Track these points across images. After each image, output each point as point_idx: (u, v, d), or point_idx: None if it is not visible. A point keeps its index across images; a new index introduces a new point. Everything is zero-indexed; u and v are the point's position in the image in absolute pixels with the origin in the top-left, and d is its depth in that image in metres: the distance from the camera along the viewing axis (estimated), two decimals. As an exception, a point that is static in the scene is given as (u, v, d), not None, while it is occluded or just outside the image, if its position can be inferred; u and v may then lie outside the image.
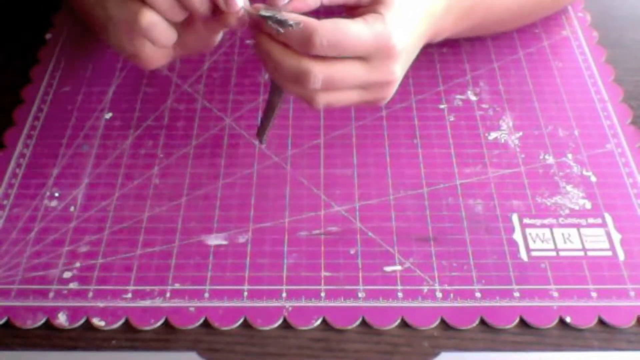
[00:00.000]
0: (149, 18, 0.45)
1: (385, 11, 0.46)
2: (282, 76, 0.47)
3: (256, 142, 0.58)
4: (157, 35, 0.46)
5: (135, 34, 0.46)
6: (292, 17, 0.44)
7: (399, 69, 0.48)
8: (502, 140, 0.59)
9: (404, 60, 0.48)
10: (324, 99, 0.47)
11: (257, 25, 0.46)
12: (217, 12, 0.46)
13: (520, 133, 0.59)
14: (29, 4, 0.72)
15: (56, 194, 0.55)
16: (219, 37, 0.50)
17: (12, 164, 0.58)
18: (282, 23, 0.44)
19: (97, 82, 0.64)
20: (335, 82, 0.46)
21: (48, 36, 0.69)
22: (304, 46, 0.44)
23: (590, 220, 0.53)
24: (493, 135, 0.59)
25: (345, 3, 0.48)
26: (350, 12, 0.49)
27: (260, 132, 0.55)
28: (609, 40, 0.68)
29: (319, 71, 0.45)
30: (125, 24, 0.46)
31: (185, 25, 0.47)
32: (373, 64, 0.46)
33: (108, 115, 0.61)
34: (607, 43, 0.67)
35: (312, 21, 0.44)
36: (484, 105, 0.61)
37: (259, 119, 0.54)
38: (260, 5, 0.45)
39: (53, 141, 0.59)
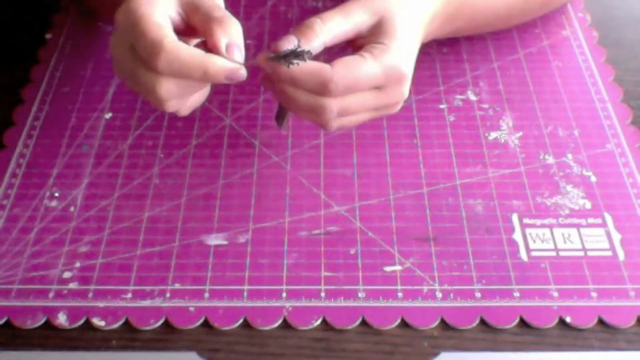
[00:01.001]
0: (164, 90, 0.45)
1: (389, 42, 0.47)
2: (296, 108, 0.48)
3: (256, 142, 0.58)
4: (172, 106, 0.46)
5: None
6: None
7: (407, 89, 0.49)
8: (502, 140, 0.59)
9: (410, 78, 0.50)
10: (337, 124, 0.49)
11: (268, 67, 0.47)
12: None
13: (520, 133, 0.59)
14: (29, 4, 0.72)
15: (56, 194, 0.55)
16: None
17: (12, 164, 0.58)
18: (297, 56, 0.45)
19: (97, 82, 0.64)
20: (349, 111, 0.48)
21: (48, 36, 0.69)
22: (320, 92, 0.46)
23: (590, 220, 0.53)
24: (493, 135, 0.59)
25: (346, 39, 0.49)
26: (351, 43, 0.50)
27: (279, 118, 0.55)
28: (609, 40, 0.68)
29: (334, 105, 0.47)
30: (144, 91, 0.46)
31: None
32: (384, 90, 0.48)
33: (108, 115, 0.61)
34: (607, 43, 0.67)
35: (326, 68, 0.45)
36: (484, 105, 0.61)
37: (278, 104, 0.54)
38: (264, 54, 0.46)
39: (53, 141, 0.59)
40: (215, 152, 0.58)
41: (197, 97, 0.48)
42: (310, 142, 0.59)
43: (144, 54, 0.43)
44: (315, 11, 0.70)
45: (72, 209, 0.54)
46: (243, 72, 0.44)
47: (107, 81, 0.64)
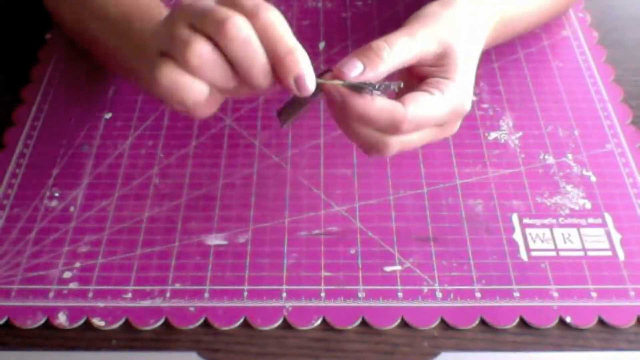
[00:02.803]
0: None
1: (455, 76, 0.45)
2: (358, 142, 0.45)
3: (256, 142, 0.58)
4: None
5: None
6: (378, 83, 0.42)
7: (459, 124, 0.48)
8: (502, 140, 0.59)
9: None
10: (389, 155, 0.46)
11: (338, 95, 0.43)
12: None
13: (520, 133, 0.59)
14: (29, 4, 0.72)
15: (56, 194, 0.55)
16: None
17: (12, 164, 0.58)
18: (380, 88, 0.42)
19: (97, 81, 0.64)
20: (408, 147, 0.45)
21: (48, 36, 0.69)
22: (390, 130, 0.43)
23: (590, 220, 0.53)
24: (493, 135, 0.59)
25: (409, 65, 0.45)
26: (410, 68, 0.46)
27: (285, 115, 0.49)
28: (609, 40, 0.68)
29: (397, 143, 0.44)
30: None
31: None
32: (445, 126, 0.46)
33: (108, 115, 0.61)
34: (607, 43, 0.67)
35: (399, 108, 0.42)
36: (484, 105, 0.61)
37: (285, 102, 0.51)
38: (330, 75, 0.42)
39: (53, 141, 0.59)
40: (215, 152, 0.58)
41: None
42: (310, 142, 0.59)
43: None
44: (315, 11, 0.70)
45: (72, 209, 0.54)
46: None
47: (107, 81, 0.64)
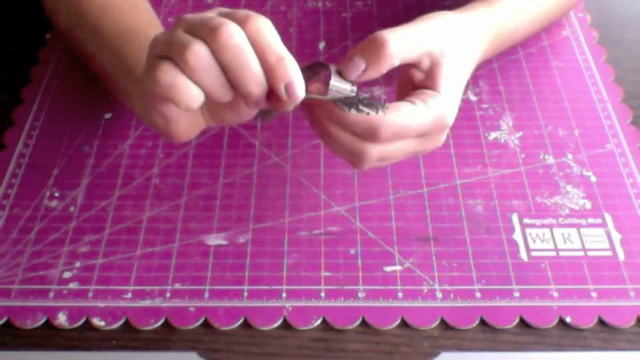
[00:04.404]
0: (169, 76, 0.39)
1: (440, 88, 0.45)
2: (333, 147, 0.45)
3: (256, 142, 0.58)
4: (179, 95, 0.39)
5: (160, 99, 0.41)
6: (367, 102, 0.42)
7: (444, 137, 0.47)
8: (502, 140, 0.59)
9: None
10: (370, 167, 0.46)
11: (312, 102, 0.43)
12: (269, 95, 0.40)
13: (520, 133, 0.59)
14: (29, 4, 0.72)
15: (56, 194, 0.55)
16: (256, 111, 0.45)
17: (12, 164, 0.58)
18: (368, 106, 0.41)
19: (97, 82, 0.64)
20: (387, 157, 0.45)
21: (48, 36, 0.69)
22: (368, 137, 0.43)
23: (590, 220, 0.53)
24: (493, 135, 0.59)
25: (413, 62, 0.45)
26: (408, 68, 0.46)
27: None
28: (609, 40, 0.68)
29: (375, 152, 0.44)
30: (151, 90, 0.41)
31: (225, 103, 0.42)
32: (426, 138, 0.46)
33: (108, 115, 0.61)
34: (607, 43, 0.67)
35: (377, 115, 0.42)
36: (484, 105, 0.61)
37: None
38: (316, 87, 0.43)
39: (53, 141, 0.59)
40: (215, 152, 0.58)
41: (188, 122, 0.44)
42: (310, 142, 0.59)
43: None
44: (316, 11, 0.70)
45: (72, 209, 0.54)
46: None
47: (107, 81, 0.64)
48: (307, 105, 0.44)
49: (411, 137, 0.44)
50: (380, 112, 0.42)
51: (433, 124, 0.44)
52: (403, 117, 0.43)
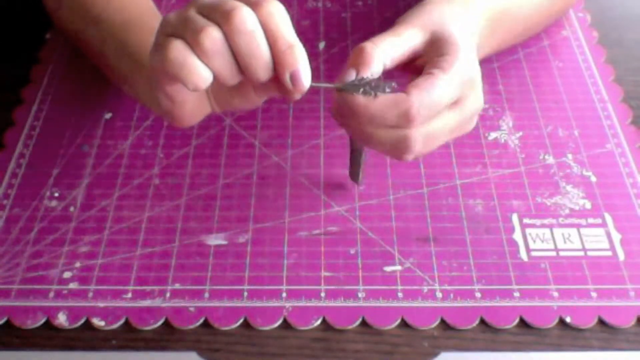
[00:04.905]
0: (177, 52, 0.39)
1: (451, 51, 0.44)
2: (378, 146, 0.45)
3: (256, 142, 0.58)
4: (187, 74, 0.39)
5: (168, 78, 0.41)
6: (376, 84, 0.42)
7: (481, 94, 0.46)
8: (502, 140, 0.59)
9: (481, 81, 0.47)
10: (420, 153, 0.45)
11: (341, 102, 0.43)
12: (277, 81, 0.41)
13: (520, 133, 0.59)
14: (29, 4, 0.72)
15: (56, 194, 0.55)
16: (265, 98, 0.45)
17: (12, 164, 0.58)
18: (375, 88, 0.42)
19: (97, 81, 0.64)
20: (434, 137, 0.45)
21: (48, 36, 0.69)
22: (402, 123, 0.42)
23: (590, 220, 0.53)
24: (493, 135, 0.59)
25: (403, 60, 0.46)
26: (409, 68, 0.46)
27: (354, 173, 0.53)
28: (609, 40, 0.68)
29: (418, 135, 0.43)
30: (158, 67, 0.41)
31: (233, 87, 0.42)
32: (462, 103, 0.45)
33: (108, 115, 0.61)
34: (607, 43, 0.67)
35: (402, 97, 0.42)
36: (484, 105, 0.61)
37: (348, 159, 0.52)
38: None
39: (53, 141, 0.59)
40: (215, 152, 0.58)
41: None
42: (310, 142, 0.59)
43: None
44: (316, 11, 0.70)
45: (72, 209, 0.54)
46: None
47: (107, 81, 0.64)
48: (343, 119, 0.44)
49: (445, 107, 0.44)
50: (387, 90, 0.42)
51: (460, 84, 0.44)
52: (427, 89, 0.42)
